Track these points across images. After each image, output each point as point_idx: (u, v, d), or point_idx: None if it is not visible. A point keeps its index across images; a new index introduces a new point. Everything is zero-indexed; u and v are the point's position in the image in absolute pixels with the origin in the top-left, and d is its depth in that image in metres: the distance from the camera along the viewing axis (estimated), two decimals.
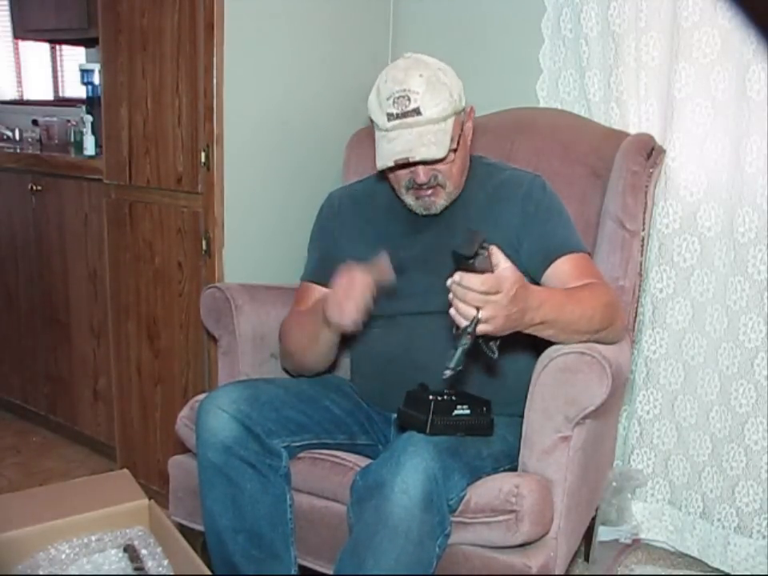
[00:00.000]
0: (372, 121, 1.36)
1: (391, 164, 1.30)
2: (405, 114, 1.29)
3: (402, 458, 1.12)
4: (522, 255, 1.37)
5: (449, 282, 1.09)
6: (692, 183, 1.74)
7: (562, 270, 1.35)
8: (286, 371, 1.58)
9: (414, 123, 1.29)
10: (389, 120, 1.30)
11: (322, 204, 1.61)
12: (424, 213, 1.41)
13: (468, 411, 1.24)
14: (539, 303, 1.15)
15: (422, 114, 1.28)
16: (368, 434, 1.45)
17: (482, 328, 1.09)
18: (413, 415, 1.23)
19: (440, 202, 1.39)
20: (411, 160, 1.29)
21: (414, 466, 1.11)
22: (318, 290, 1.52)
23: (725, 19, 1.63)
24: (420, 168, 1.33)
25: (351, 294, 1.28)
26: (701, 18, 1.66)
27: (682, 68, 1.70)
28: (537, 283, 1.34)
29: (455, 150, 1.34)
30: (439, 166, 1.35)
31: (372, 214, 1.52)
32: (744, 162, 1.65)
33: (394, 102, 1.29)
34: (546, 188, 1.45)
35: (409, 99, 1.29)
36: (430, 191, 1.37)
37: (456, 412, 1.23)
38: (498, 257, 1.11)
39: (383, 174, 1.43)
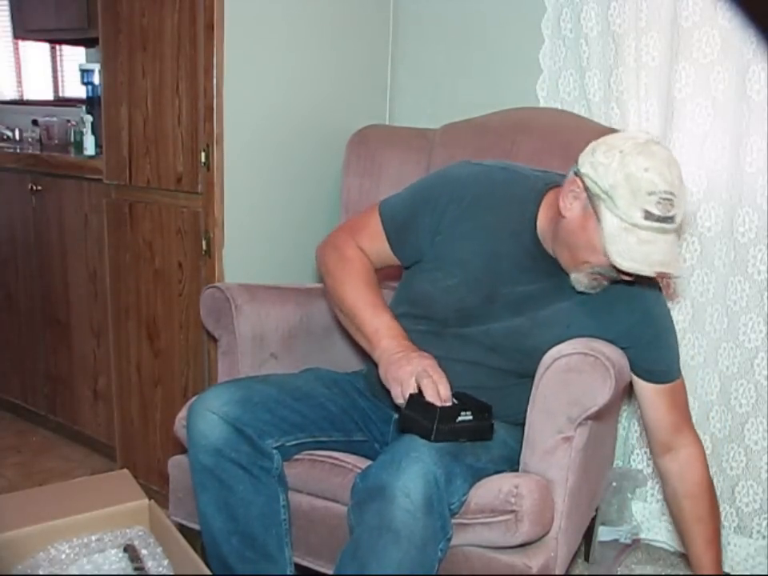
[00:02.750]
0: (602, 195, 1.18)
1: (651, 274, 1.19)
2: (665, 220, 1.16)
3: (404, 463, 1.11)
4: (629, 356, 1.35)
5: None
6: (692, 183, 1.74)
7: (661, 400, 1.38)
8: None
9: (669, 230, 1.18)
10: (645, 218, 1.16)
11: (458, 172, 1.41)
12: (582, 290, 1.29)
13: (471, 417, 1.22)
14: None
15: (675, 222, 1.18)
16: (363, 431, 1.44)
17: None
18: (417, 420, 1.20)
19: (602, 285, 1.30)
20: (672, 275, 1.24)
21: (416, 471, 1.10)
22: (382, 237, 1.41)
23: (725, 19, 1.63)
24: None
25: (428, 390, 1.20)
26: (701, 17, 1.66)
27: (681, 68, 1.70)
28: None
29: None
30: None
31: (501, 224, 1.35)
32: (744, 162, 1.65)
33: (659, 204, 1.15)
34: (666, 307, 1.41)
35: (672, 205, 1.16)
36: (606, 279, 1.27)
37: (460, 418, 1.21)
38: None
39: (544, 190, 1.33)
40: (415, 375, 1.21)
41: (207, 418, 1.28)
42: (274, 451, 1.32)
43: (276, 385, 1.39)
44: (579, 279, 1.28)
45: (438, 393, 1.19)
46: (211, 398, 1.31)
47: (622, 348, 1.34)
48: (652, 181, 1.16)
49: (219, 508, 1.29)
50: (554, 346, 1.29)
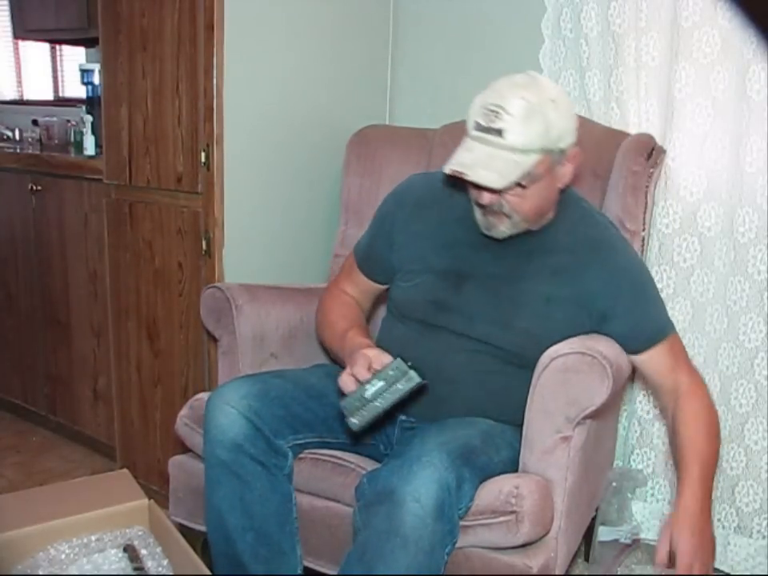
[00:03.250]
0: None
1: (447, 172, 1.23)
2: (488, 130, 1.21)
3: (415, 467, 1.11)
4: (611, 328, 1.34)
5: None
6: (692, 183, 1.74)
7: (657, 360, 1.36)
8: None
9: (491, 142, 1.21)
10: (474, 127, 1.24)
11: (401, 185, 1.52)
12: (485, 232, 1.34)
13: (382, 383, 1.19)
14: (707, 515, 1.23)
15: (503, 137, 1.20)
16: (371, 434, 1.45)
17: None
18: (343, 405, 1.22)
19: (502, 228, 1.31)
20: (463, 177, 1.22)
21: (427, 476, 1.10)
22: (359, 273, 1.56)
23: (725, 19, 1.63)
24: (484, 192, 1.25)
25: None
26: (701, 17, 1.66)
27: (681, 68, 1.70)
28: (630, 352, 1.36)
29: (524, 186, 1.25)
30: (507, 196, 1.26)
31: (447, 214, 1.43)
32: (744, 162, 1.65)
33: (484, 113, 1.22)
34: (642, 265, 1.42)
35: (498, 116, 1.20)
36: (493, 215, 1.30)
37: (369, 392, 1.18)
38: (661, 552, 1.19)
39: None
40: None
41: (226, 411, 1.28)
42: (288, 450, 1.32)
43: (292, 380, 1.40)
44: (476, 217, 1.34)
45: (353, 377, 1.21)
46: (230, 392, 1.31)
47: (608, 315, 1.34)
48: (488, 94, 1.24)
49: (234, 504, 1.28)
50: (538, 322, 1.33)
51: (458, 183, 1.33)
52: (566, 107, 1.27)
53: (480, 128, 1.22)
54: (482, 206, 1.30)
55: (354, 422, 1.19)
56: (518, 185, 1.24)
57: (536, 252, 1.36)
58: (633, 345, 1.36)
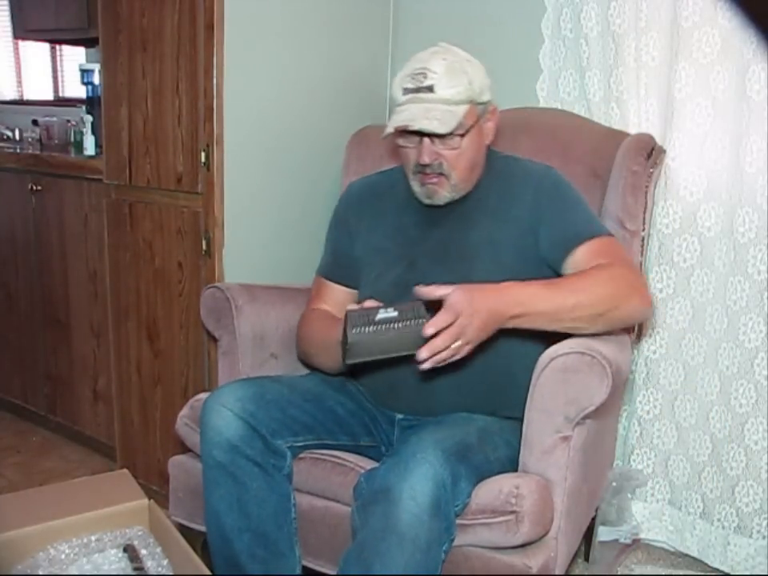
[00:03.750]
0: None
1: (391, 130, 1.33)
2: (418, 90, 1.32)
3: (411, 464, 1.11)
4: (540, 249, 1.38)
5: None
6: (692, 183, 1.74)
7: (581, 258, 1.35)
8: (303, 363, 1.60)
9: (425, 99, 1.32)
10: (403, 94, 1.35)
11: (342, 195, 1.63)
12: (427, 201, 1.42)
13: (395, 314, 1.10)
14: (512, 298, 1.20)
15: (434, 92, 1.31)
16: (371, 436, 1.45)
17: (466, 349, 1.16)
18: (341, 341, 1.11)
19: (443, 192, 1.40)
20: (410, 128, 1.31)
21: (423, 473, 1.10)
22: (331, 287, 1.57)
23: (725, 19, 1.63)
24: (426, 147, 1.34)
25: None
26: (701, 17, 1.66)
27: (681, 68, 1.70)
28: (559, 274, 1.37)
29: (462, 136, 1.35)
30: (445, 152, 1.35)
31: (390, 204, 1.53)
32: (744, 162, 1.65)
33: (411, 78, 1.33)
34: (558, 178, 1.45)
35: (425, 76, 1.32)
36: (434, 179, 1.38)
37: (380, 315, 1.08)
38: (435, 292, 1.16)
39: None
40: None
41: (222, 413, 1.28)
42: (287, 450, 1.32)
43: (287, 385, 1.42)
44: (416, 190, 1.42)
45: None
46: (226, 394, 1.31)
47: (538, 231, 1.38)
48: (409, 65, 1.36)
49: (232, 505, 1.28)
50: (492, 268, 1.36)
51: (397, 174, 1.48)
52: (479, 67, 1.39)
53: (410, 91, 1.33)
54: (422, 172, 1.37)
55: (354, 333, 1.07)
56: (456, 135, 1.33)
57: (473, 208, 1.44)
58: (559, 250, 1.37)
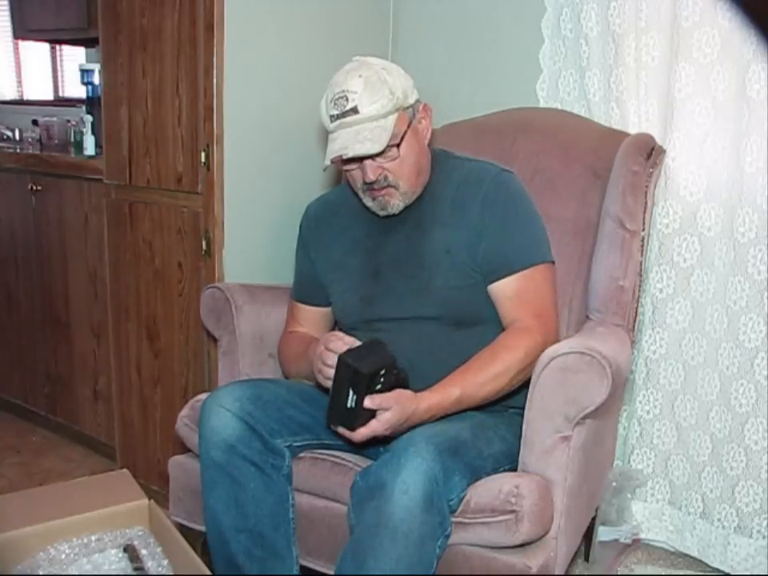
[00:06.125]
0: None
1: (328, 162, 1.34)
2: (344, 114, 1.33)
3: (403, 459, 1.12)
4: (479, 258, 1.39)
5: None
6: (692, 183, 1.74)
7: (504, 292, 1.38)
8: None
9: (352, 122, 1.32)
10: (331, 121, 1.35)
11: (303, 216, 1.63)
12: (382, 213, 1.42)
13: (355, 396, 1.19)
14: (426, 409, 1.24)
15: (359, 112, 1.32)
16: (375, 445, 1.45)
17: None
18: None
19: (395, 202, 1.40)
20: (344, 157, 1.32)
21: (414, 467, 1.11)
22: (303, 309, 1.59)
23: (725, 19, 1.62)
24: (367, 166, 1.35)
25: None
26: (701, 17, 1.66)
27: (681, 68, 1.70)
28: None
29: (398, 146, 1.35)
30: (387, 165, 1.36)
31: (347, 220, 1.54)
32: (744, 162, 1.65)
33: (334, 104, 1.34)
34: (510, 187, 1.43)
35: (347, 99, 1.32)
36: (383, 191, 1.39)
37: (349, 404, 1.19)
38: (377, 430, 1.21)
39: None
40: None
41: (220, 414, 1.29)
42: (285, 449, 1.33)
43: (285, 386, 1.44)
44: (369, 205, 1.43)
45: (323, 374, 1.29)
46: (224, 395, 1.32)
47: (481, 240, 1.38)
48: (330, 90, 1.36)
49: (229, 505, 1.29)
50: (449, 274, 1.39)
51: (349, 189, 1.48)
52: (397, 71, 1.39)
53: (337, 117, 1.34)
54: (370, 189, 1.38)
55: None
56: (392, 146, 1.34)
57: (426, 214, 1.44)
58: (490, 270, 1.38)
